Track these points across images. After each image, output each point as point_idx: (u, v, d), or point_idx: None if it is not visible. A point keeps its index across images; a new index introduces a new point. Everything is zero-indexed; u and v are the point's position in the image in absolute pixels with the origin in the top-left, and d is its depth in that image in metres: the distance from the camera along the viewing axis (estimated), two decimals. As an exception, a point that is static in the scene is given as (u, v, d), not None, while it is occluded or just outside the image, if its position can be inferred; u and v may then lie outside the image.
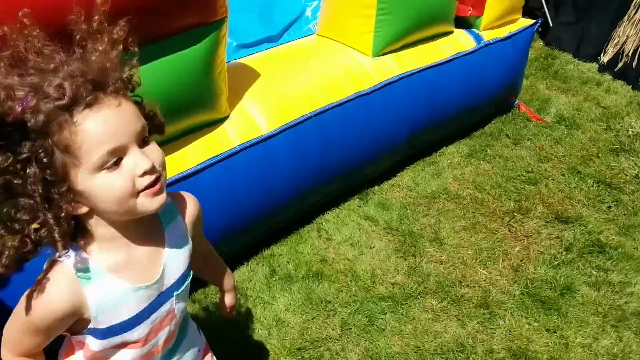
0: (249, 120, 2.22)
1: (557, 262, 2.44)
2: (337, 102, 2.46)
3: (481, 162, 3.05)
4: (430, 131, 2.96)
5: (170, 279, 1.07)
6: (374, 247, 2.49)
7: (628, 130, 3.32)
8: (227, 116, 2.18)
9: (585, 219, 2.67)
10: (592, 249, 2.51)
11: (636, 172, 2.99)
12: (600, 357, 2.06)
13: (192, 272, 1.13)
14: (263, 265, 2.36)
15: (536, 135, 3.25)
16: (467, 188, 2.86)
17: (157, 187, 0.92)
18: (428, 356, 2.02)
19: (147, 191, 0.91)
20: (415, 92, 2.75)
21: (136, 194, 0.90)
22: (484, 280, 2.36)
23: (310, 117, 2.38)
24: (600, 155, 3.11)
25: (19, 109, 0.80)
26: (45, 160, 0.84)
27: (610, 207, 2.77)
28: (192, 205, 1.14)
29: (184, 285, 1.10)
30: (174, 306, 1.10)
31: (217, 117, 2.13)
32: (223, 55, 2.00)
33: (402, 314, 2.18)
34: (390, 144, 2.77)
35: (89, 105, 0.85)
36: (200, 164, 2.03)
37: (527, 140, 3.21)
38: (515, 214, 2.70)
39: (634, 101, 3.61)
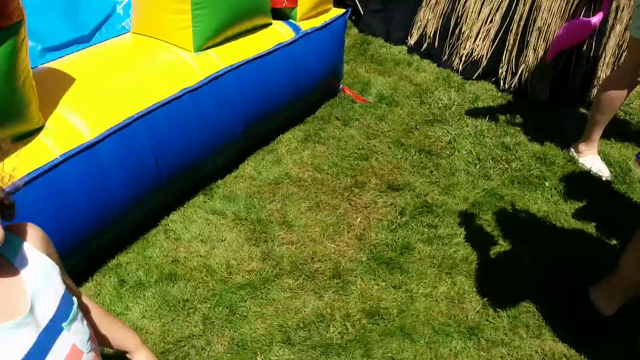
0: (68, 127, 2.07)
1: (394, 226, 2.67)
2: (165, 100, 2.40)
3: (316, 144, 3.20)
4: (265, 121, 3.02)
5: (48, 310, 0.93)
6: (225, 240, 2.49)
7: (438, 103, 3.72)
8: (42, 126, 2.01)
9: (413, 184, 2.95)
10: (421, 210, 2.78)
11: (449, 138, 3.37)
12: (441, 301, 2.31)
13: (74, 296, 1.00)
14: (110, 276, 2.23)
15: (362, 115, 3.50)
16: (307, 170, 2.98)
17: None
18: (292, 332, 2.09)
19: None
20: (244, 85, 2.79)
21: None
22: (334, 253, 2.49)
23: (137, 118, 2.30)
24: (418, 127, 3.45)
25: None
26: None
27: (432, 171, 3.09)
28: (33, 230, 1.02)
29: (72, 313, 0.97)
30: (72, 340, 0.95)
31: (29, 128, 1.95)
32: (26, 61, 1.83)
33: (262, 298, 2.21)
34: (226, 137, 2.77)
35: None
36: (17, 180, 1.83)
37: (355, 120, 3.44)
38: (353, 188, 2.88)
39: (439, 77, 4.05)
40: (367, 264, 2.45)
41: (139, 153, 2.33)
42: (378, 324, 2.18)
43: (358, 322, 2.17)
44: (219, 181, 2.82)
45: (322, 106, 3.54)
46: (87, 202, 2.14)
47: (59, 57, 2.43)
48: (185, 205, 2.65)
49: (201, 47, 2.65)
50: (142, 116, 2.32)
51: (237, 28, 2.79)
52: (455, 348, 2.12)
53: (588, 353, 2.14)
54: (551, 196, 2.94)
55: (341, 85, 3.71)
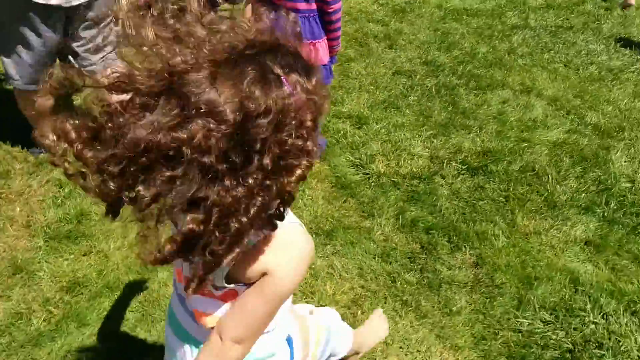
0: None
1: (59, 201, 2.54)
2: None
3: None
4: None
5: None
6: None
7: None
8: None
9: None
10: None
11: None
12: (135, 247, 2.36)
13: None
14: None
15: None
16: None
17: None
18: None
19: None
20: None
21: None
22: (4, 251, 2.26)
23: None
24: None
25: None
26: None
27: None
28: None
29: None
30: None
31: None
32: None
33: None
34: None
35: None
36: None
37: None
38: (-4, 182, 2.59)
39: None
40: (48, 245, 2.30)
41: None
42: (82, 293, 2.12)
43: (60, 301, 2.08)
44: None
45: None
46: None
47: None
48: None
49: None
50: None
51: None
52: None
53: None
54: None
55: None
